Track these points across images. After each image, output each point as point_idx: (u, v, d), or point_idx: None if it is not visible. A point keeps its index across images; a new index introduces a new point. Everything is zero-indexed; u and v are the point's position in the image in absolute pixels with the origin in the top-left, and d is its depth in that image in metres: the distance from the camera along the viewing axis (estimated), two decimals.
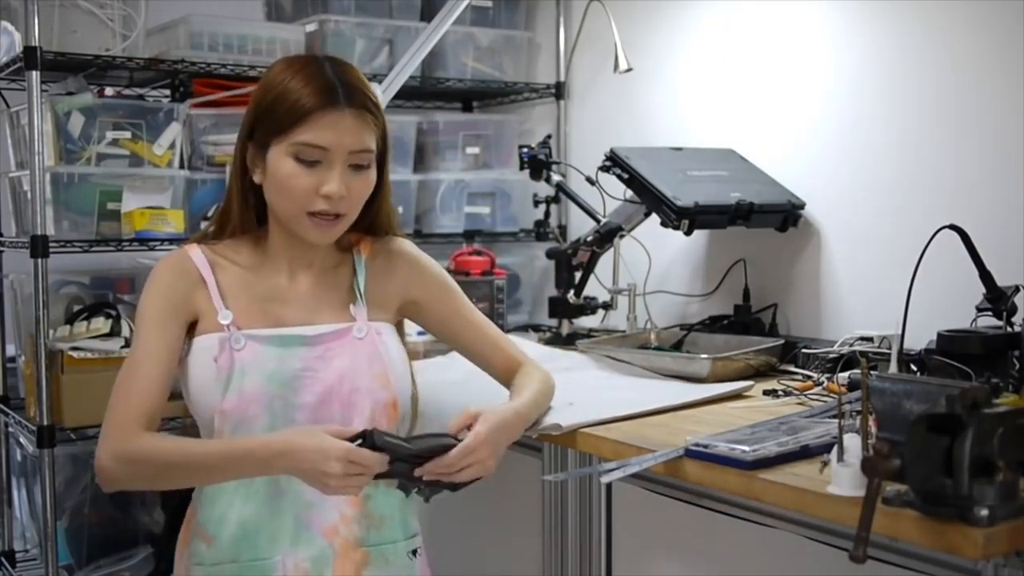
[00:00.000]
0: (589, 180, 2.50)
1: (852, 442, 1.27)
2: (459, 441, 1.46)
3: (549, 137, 2.77)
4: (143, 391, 1.49)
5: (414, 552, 1.62)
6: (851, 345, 1.99)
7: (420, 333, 2.39)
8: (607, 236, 2.44)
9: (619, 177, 2.30)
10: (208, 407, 1.51)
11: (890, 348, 1.85)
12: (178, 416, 2.28)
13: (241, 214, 1.60)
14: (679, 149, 2.45)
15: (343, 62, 1.58)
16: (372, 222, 1.65)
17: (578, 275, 2.50)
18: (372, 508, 1.57)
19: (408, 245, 1.71)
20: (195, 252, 1.58)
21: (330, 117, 1.48)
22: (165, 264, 1.58)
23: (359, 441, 1.38)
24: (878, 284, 2.15)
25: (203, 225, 2.42)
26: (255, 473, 1.46)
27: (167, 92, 2.68)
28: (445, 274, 1.73)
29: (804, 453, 1.44)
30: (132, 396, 1.49)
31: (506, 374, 1.72)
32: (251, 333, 1.53)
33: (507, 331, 2.37)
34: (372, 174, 1.55)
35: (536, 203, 2.88)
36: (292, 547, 1.52)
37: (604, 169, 2.33)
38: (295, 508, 1.52)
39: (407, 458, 1.41)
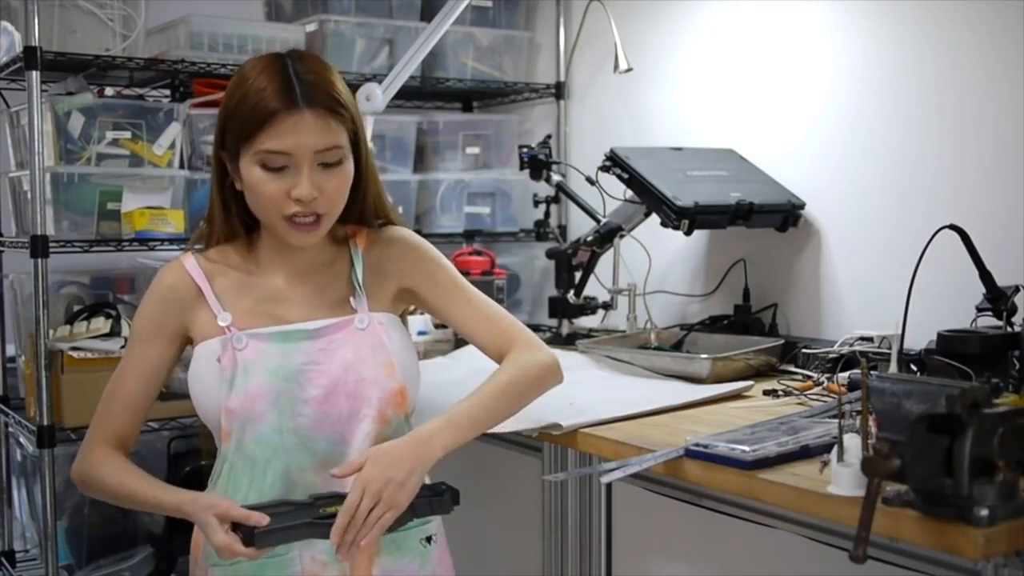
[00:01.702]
0: (589, 180, 2.50)
1: (852, 442, 1.27)
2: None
3: (549, 137, 2.77)
4: (120, 409, 1.57)
5: (428, 539, 1.62)
6: (851, 345, 1.99)
7: (421, 333, 2.39)
8: (607, 236, 2.44)
9: (619, 177, 2.30)
10: (214, 407, 1.52)
11: (890, 348, 1.86)
12: (185, 415, 2.29)
13: (224, 223, 1.59)
14: (679, 149, 2.45)
15: (307, 56, 1.55)
16: (361, 211, 1.63)
17: (578, 275, 2.51)
18: None
19: (403, 232, 1.69)
20: (189, 261, 1.59)
21: (290, 120, 1.45)
22: (159, 280, 1.59)
23: (240, 533, 1.41)
24: (878, 284, 2.15)
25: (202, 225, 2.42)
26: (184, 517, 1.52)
27: (167, 92, 2.68)
28: (439, 258, 1.69)
29: (804, 453, 1.44)
30: (108, 415, 1.58)
31: (498, 353, 1.65)
32: (252, 332, 1.53)
33: None
34: (346, 169, 1.53)
35: (536, 203, 2.88)
36: (308, 540, 1.52)
37: (604, 169, 2.33)
38: None
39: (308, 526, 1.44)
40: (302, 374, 1.52)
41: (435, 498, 1.48)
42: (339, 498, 1.43)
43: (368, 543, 1.42)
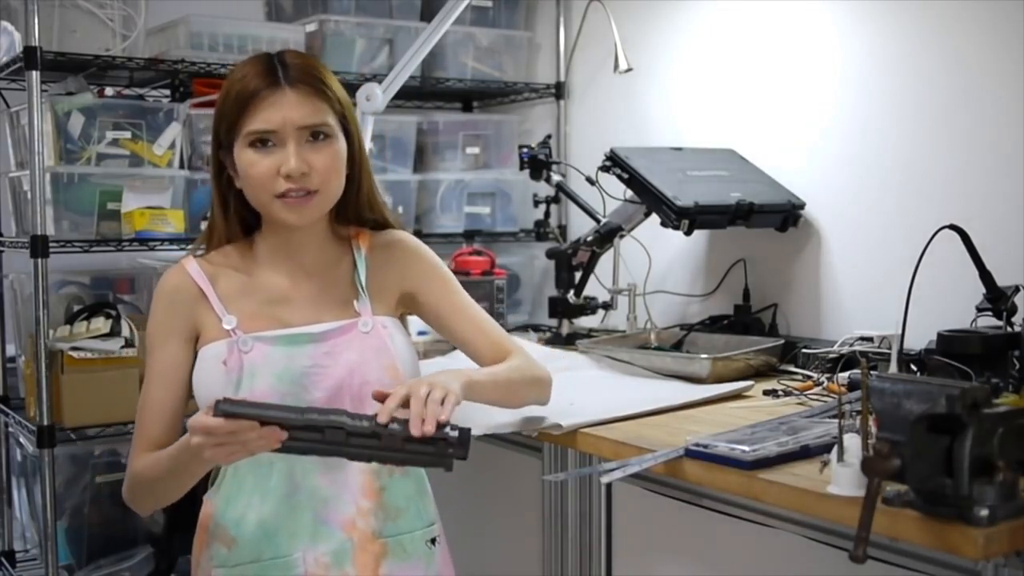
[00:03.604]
0: (589, 180, 2.50)
1: (852, 442, 1.27)
2: (343, 411, 1.37)
3: (549, 137, 2.77)
4: (151, 418, 1.55)
5: (432, 541, 1.62)
6: (851, 345, 1.99)
7: (421, 333, 2.39)
8: (607, 236, 2.44)
9: (619, 177, 2.30)
10: None
11: (890, 348, 1.86)
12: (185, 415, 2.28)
13: (224, 225, 1.60)
14: (679, 149, 2.45)
15: (292, 51, 1.57)
16: (357, 203, 1.64)
17: (578, 275, 2.51)
18: (387, 499, 1.57)
19: (404, 236, 1.70)
20: (191, 265, 1.59)
21: (271, 98, 1.48)
22: (163, 284, 1.59)
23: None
24: (878, 284, 2.15)
25: (203, 226, 2.42)
26: (199, 464, 1.44)
27: (167, 92, 2.68)
28: (441, 265, 1.71)
29: (804, 453, 1.44)
30: (141, 427, 1.56)
31: (493, 362, 1.67)
32: (258, 335, 1.54)
33: (508, 331, 2.37)
34: (335, 146, 1.53)
35: (536, 203, 2.88)
36: (312, 542, 1.53)
37: (604, 169, 2.33)
38: (312, 504, 1.53)
39: (303, 427, 1.33)
40: (307, 377, 1.52)
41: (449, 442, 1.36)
42: (333, 411, 1.36)
43: (441, 420, 1.35)
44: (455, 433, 1.37)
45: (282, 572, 1.52)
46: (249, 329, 1.54)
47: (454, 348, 2.37)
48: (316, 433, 1.34)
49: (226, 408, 1.31)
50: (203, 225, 2.42)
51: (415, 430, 1.34)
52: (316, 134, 1.51)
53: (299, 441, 1.34)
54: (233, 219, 1.60)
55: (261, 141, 1.49)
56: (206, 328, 1.56)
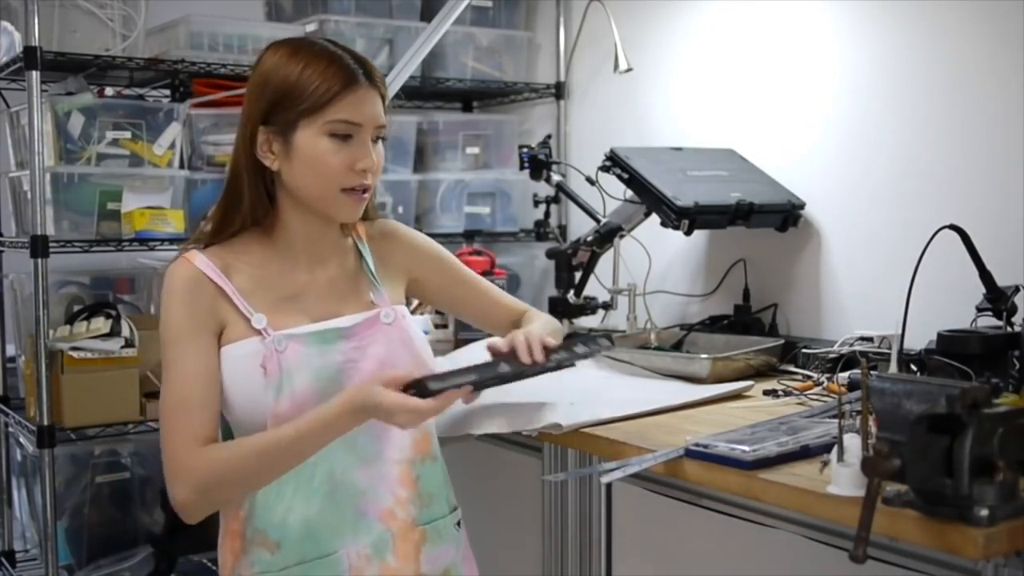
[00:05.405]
0: (589, 180, 2.50)
1: (852, 442, 1.27)
2: (498, 361, 1.56)
3: (549, 137, 2.77)
4: (197, 415, 1.46)
5: (458, 524, 1.66)
6: (851, 345, 1.99)
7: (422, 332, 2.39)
8: (607, 236, 2.44)
9: (619, 177, 2.30)
10: (259, 413, 1.48)
11: (890, 348, 1.86)
12: None
13: (254, 204, 1.55)
14: (679, 149, 2.45)
15: (342, 44, 1.60)
16: None
17: (578, 275, 2.51)
18: (422, 487, 1.59)
19: (397, 224, 1.74)
20: (199, 259, 1.52)
21: (359, 94, 1.51)
22: (175, 279, 1.52)
23: (412, 391, 1.42)
24: (878, 284, 2.15)
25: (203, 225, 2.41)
26: (333, 438, 1.44)
27: (167, 92, 2.68)
28: (436, 244, 1.76)
29: (804, 453, 1.44)
30: (189, 425, 1.45)
31: (512, 324, 1.75)
32: (289, 333, 1.51)
33: None
34: (382, 146, 1.59)
35: (536, 203, 2.88)
36: (353, 537, 1.52)
37: (604, 169, 2.33)
38: (351, 498, 1.53)
39: (481, 382, 1.50)
40: (342, 373, 1.52)
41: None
42: (494, 363, 1.56)
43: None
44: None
45: (328, 570, 1.51)
46: (274, 325, 1.51)
47: (454, 348, 2.38)
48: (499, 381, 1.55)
49: (435, 386, 1.42)
50: (204, 221, 2.42)
51: (524, 357, 1.55)
52: (380, 136, 1.56)
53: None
54: (264, 197, 1.55)
55: (342, 132, 1.50)
56: (229, 324, 1.51)
